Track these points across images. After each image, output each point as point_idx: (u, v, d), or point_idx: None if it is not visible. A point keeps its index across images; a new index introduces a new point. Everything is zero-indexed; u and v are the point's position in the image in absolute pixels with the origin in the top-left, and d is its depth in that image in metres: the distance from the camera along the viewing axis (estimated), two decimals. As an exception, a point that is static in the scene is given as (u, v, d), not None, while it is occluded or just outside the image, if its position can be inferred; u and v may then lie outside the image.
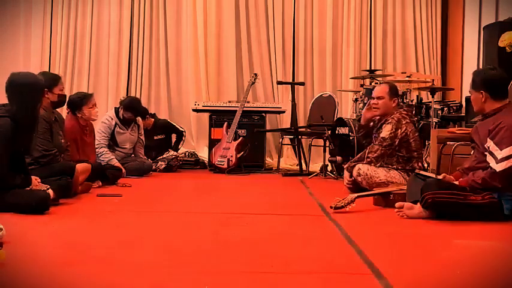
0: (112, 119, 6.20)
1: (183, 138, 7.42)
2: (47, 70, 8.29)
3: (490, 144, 3.46)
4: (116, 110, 6.29)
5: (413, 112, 6.29)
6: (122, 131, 6.28)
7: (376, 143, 4.79)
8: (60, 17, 8.47)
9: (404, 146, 4.76)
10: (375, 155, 4.77)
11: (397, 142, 4.72)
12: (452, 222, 3.36)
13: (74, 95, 5.45)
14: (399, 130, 4.72)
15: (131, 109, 6.29)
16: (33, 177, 3.78)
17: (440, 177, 3.70)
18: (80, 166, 4.42)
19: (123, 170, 5.83)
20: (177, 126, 7.53)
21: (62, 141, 4.64)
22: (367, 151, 4.82)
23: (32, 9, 8.51)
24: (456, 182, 3.57)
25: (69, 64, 8.44)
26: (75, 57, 8.48)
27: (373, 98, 4.94)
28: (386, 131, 4.75)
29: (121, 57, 8.38)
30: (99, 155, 5.87)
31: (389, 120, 4.78)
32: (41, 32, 8.50)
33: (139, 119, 6.51)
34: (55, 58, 8.47)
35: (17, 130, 3.54)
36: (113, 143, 6.23)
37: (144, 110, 6.73)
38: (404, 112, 4.87)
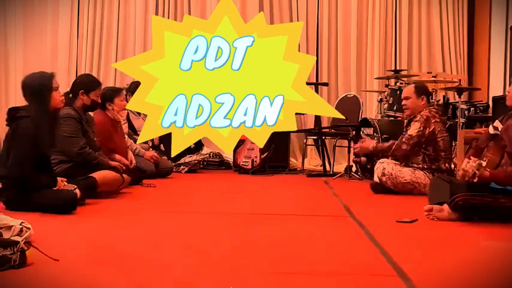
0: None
1: (201, 150, 7.36)
2: (74, 65, 8.52)
3: None
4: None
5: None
6: (135, 116, 6.34)
7: (404, 140, 4.77)
8: (87, 12, 8.58)
9: (431, 145, 4.75)
10: (401, 153, 4.76)
11: (423, 140, 4.71)
12: (480, 224, 3.32)
13: (105, 89, 5.49)
14: (427, 129, 4.71)
15: None
16: (59, 179, 3.85)
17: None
18: (103, 177, 4.27)
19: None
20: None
21: (95, 139, 4.68)
22: (394, 147, 4.80)
23: (59, 7, 8.63)
24: (486, 172, 3.44)
25: (95, 60, 8.54)
26: (101, 52, 8.56)
27: (402, 100, 4.96)
28: (414, 129, 4.74)
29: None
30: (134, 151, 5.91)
31: (418, 118, 4.77)
32: (68, 28, 8.62)
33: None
34: (81, 53, 8.59)
35: (38, 129, 3.61)
36: (131, 131, 6.26)
37: None
38: (434, 110, 4.85)
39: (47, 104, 3.75)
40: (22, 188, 3.57)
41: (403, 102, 4.95)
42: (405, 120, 5.20)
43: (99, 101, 4.71)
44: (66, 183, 3.89)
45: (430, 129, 4.72)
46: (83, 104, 4.55)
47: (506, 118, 3.66)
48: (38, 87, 3.73)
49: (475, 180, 3.32)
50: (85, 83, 4.61)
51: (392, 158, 5.13)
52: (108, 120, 5.23)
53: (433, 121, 4.74)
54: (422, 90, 4.93)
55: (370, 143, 5.10)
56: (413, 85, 5.04)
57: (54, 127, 3.82)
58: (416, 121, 4.78)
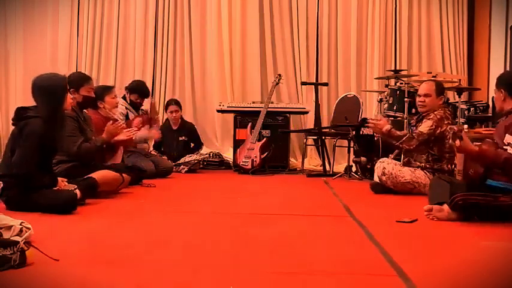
0: (123, 105, 6.23)
1: (200, 150, 7.40)
2: (74, 65, 8.52)
3: (508, 139, 3.47)
4: (124, 97, 6.35)
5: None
6: (134, 115, 6.33)
7: (414, 135, 4.75)
8: (87, 12, 8.56)
9: (437, 145, 4.75)
10: (409, 147, 4.74)
11: (432, 139, 4.72)
12: (480, 224, 3.32)
13: (95, 87, 5.49)
14: (439, 128, 4.71)
15: (136, 91, 6.36)
16: (59, 179, 3.85)
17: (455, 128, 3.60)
18: (102, 177, 4.26)
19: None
20: (200, 137, 7.57)
21: (93, 138, 4.68)
22: (404, 138, 4.78)
23: (59, 7, 8.62)
24: (476, 148, 3.53)
25: (95, 60, 8.54)
26: (101, 52, 8.56)
27: (419, 96, 4.91)
28: (426, 126, 4.74)
29: (146, 58, 8.44)
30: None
31: (431, 116, 4.76)
32: (68, 28, 8.62)
33: (144, 105, 6.54)
34: (81, 53, 8.58)
35: (47, 130, 3.62)
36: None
37: (148, 91, 6.68)
38: (448, 112, 4.86)
39: (61, 105, 3.78)
40: (24, 187, 3.58)
41: (422, 98, 4.86)
42: (413, 118, 5.17)
43: (92, 95, 4.69)
44: (66, 183, 3.90)
45: (442, 129, 4.71)
46: (76, 101, 4.55)
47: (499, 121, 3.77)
48: (52, 88, 3.75)
49: (457, 144, 3.40)
50: (73, 81, 4.59)
51: (394, 158, 5.13)
52: (101, 118, 5.23)
53: (445, 122, 4.73)
54: (441, 89, 4.93)
55: (385, 125, 4.93)
56: (433, 83, 4.98)
57: (62, 128, 3.85)
58: (429, 119, 4.76)
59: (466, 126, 3.41)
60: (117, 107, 5.54)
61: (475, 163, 3.59)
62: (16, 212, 3.39)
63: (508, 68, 6.83)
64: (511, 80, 3.74)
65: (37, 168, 3.63)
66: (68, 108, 3.97)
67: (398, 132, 4.90)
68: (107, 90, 5.38)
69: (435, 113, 4.76)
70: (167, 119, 7.36)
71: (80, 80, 4.63)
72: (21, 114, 3.70)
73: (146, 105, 6.61)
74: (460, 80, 6.86)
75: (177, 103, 7.28)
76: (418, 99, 4.93)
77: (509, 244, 2.92)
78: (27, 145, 3.59)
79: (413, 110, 5.92)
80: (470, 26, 8.26)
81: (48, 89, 3.73)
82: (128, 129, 4.99)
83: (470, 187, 3.48)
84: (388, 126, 4.89)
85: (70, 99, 3.93)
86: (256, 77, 8.27)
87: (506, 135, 3.51)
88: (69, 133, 4.35)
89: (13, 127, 3.78)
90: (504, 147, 3.51)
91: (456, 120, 6.11)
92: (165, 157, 6.75)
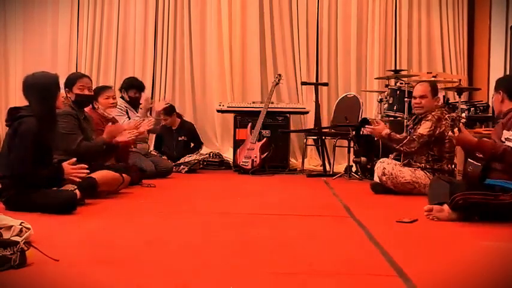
0: (122, 105, 6.23)
1: (200, 150, 7.39)
2: (74, 65, 8.55)
3: (506, 134, 3.51)
4: (121, 97, 6.34)
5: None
6: (134, 114, 6.31)
7: (414, 138, 4.74)
8: (87, 12, 8.58)
9: (437, 145, 4.75)
10: (410, 149, 4.74)
11: (432, 140, 4.71)
12: (480, 224, 3.32)
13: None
14: (438, 129, 4.71)
15: (133, 86, 6.36)
16: (66, 163, 3.76)
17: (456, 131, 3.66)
18: (102, 177, 4.24)
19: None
20: (199, 136, 7.57)
21: (94, 137, 4.67)
22: (405, 141, 4.76)
23: (59, 7, 8.62)
24: (475, 139, 3.58)
25: (95, 60, 8.55)
26: (101, 52, 8.58)
27: (415, 98, 4.91)
28: (425, 128, 4.73)
29: (146, 58, 8.46)
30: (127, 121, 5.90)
31: (429, 118, 4.76)
32: (68, 28, 8.64)
33: (141, 104, 6.53)
34: (81, 53, 8.60)
35: (41, 128, 3.61)
36: None
37: (143, 84, 6.61)
38: (446, 112, 4.86)
39: (54, 104, 3.77)
40: (22, 187, 3.57)
41: (418, 100, 4.85)
42: (410, 120, 5.16)
43: (85, 92, 4.61)
44: (75, 165, 3.79)
45: (441, 130, 4.70)
46: (71, 101, 4.55)
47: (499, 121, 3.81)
48: (45, 85, 3.74)
49: (456, 133, 3.47)
50: (67, 81, 4.59)
51: (394, 158, 5.13)
52: (98, 118, 5.24)
53: (443, 122, 4.73)
54: (436, 90, 4.94)
55: (384, 128, 4.92)
56: (428, 84, 4.98)
57: (55, 126, 3.84)
58: (427, 120, 4.76)
59: (464, 114, 3.44)
60: (110, 107, 5.52)
61: (474, 155, 3.61)
62: (16, 212, 3.38)
63: (508, 68, 6.84)
64: (509, 81, 3.80)
65: (34, 167, 3.61)
66: (60, 107, 3.95)
67: (398, 136, 4.90)
68: (101, 90, 5.40)
69: (433, 114, 4.76)
70: None
71: (72, 79, 4.63)
72: (13, 114, 3.69)
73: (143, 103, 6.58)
74: (460, 80, 6.86)
75: (166, 113, 7.07)
76: (414, 101, 4.92)
77: (509, 244, 2.92)
78: (21, 145, 3.57)
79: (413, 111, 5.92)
80: (470, 26, 8.26)
81: (41, 87, 3.72)
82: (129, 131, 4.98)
83: (470, 187, 3.48)
84: (387, 130, 4.89)
85: (62, 98, 3.91)
86: (256, 77, 8.27)
87: (504, 131, 3.55)
88: (69, 131, 4.35)
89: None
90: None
91: (456, 112, 6.10)
92: (165, 157, 6.75)
